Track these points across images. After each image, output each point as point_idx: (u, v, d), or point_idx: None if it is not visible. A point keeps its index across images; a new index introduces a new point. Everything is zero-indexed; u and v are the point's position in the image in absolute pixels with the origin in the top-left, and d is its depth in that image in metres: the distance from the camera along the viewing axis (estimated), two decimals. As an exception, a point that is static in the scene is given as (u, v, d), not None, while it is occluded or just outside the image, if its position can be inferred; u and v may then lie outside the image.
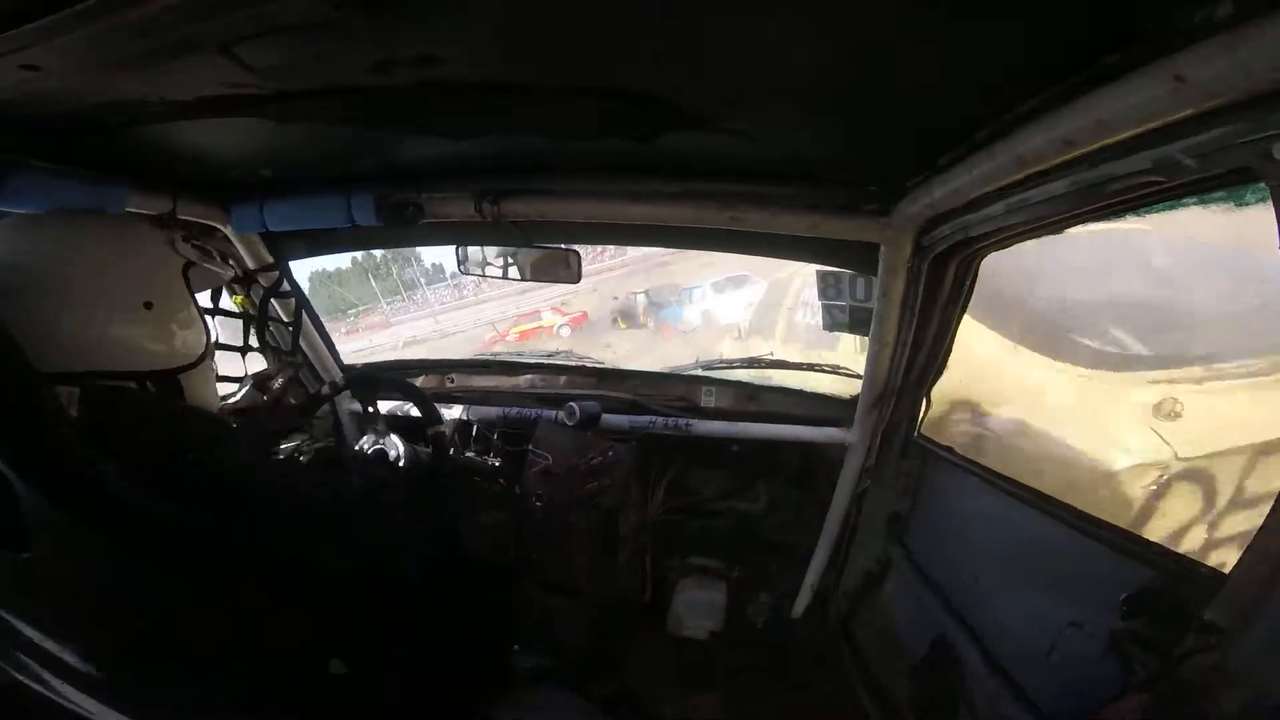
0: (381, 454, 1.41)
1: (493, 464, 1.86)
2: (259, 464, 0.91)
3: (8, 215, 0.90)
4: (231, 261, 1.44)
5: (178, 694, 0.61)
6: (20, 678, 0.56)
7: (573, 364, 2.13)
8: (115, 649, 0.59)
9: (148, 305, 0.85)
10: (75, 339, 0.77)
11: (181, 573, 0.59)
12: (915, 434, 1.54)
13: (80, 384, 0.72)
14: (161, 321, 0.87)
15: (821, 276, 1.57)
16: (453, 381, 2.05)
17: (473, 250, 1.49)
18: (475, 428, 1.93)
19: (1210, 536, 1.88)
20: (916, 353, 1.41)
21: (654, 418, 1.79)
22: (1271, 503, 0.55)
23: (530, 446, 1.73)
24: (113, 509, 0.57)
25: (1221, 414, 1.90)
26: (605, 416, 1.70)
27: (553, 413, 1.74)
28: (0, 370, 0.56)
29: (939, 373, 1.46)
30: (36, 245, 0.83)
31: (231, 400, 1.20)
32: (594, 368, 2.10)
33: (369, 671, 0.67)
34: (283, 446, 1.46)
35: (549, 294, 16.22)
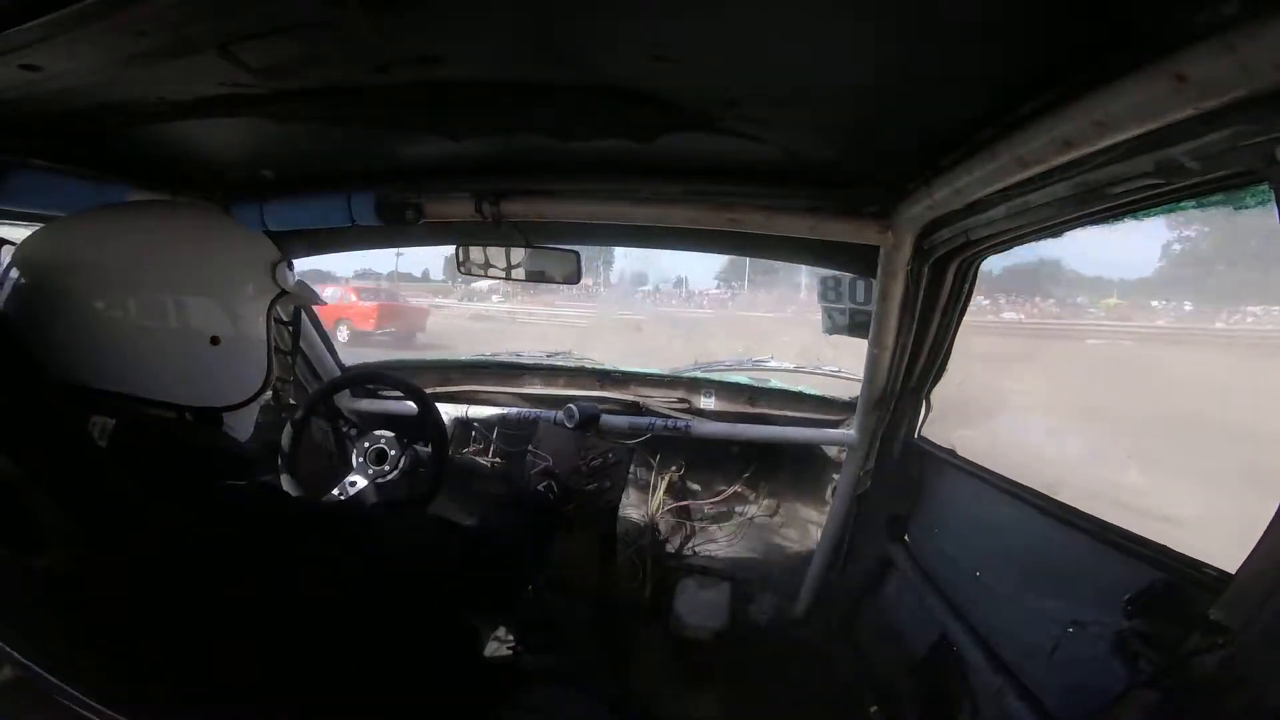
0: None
1: (492, 465, 1.86)
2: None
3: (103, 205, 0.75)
4: None
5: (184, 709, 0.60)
6: (25, 677, 0.56)
7: (571, 365, 2.13)
8: (123, 663, 0.58)
9: (214, 341, 0.71)
10: (119, 358, 0.66)
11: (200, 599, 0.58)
12: (915, 436, 1.55)
13: (112, 405, 0.64)
14: (224, 361, 0.72)
15: (822, 280, 1.57)
16: (452, 382, 2.05)
17: (473, 251, 1.49)
18: (475, 428, 1.93)
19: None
20: (916, 356, 1.42)
21: (654, 419, 1.79)
22: (1279, 502, 0.55)
23: (530, 448, 1.73)
24: (133, 526, 0.56)
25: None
26: (605, 418, 1.70)
27: (552, 414, 1.74)
28: (15, 376, 0.54)
29: (939, 376, 1.46)
30: (110, 242, 0.69)
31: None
32: (594, 369, 2.10)
33: (375, 675, 0.67)
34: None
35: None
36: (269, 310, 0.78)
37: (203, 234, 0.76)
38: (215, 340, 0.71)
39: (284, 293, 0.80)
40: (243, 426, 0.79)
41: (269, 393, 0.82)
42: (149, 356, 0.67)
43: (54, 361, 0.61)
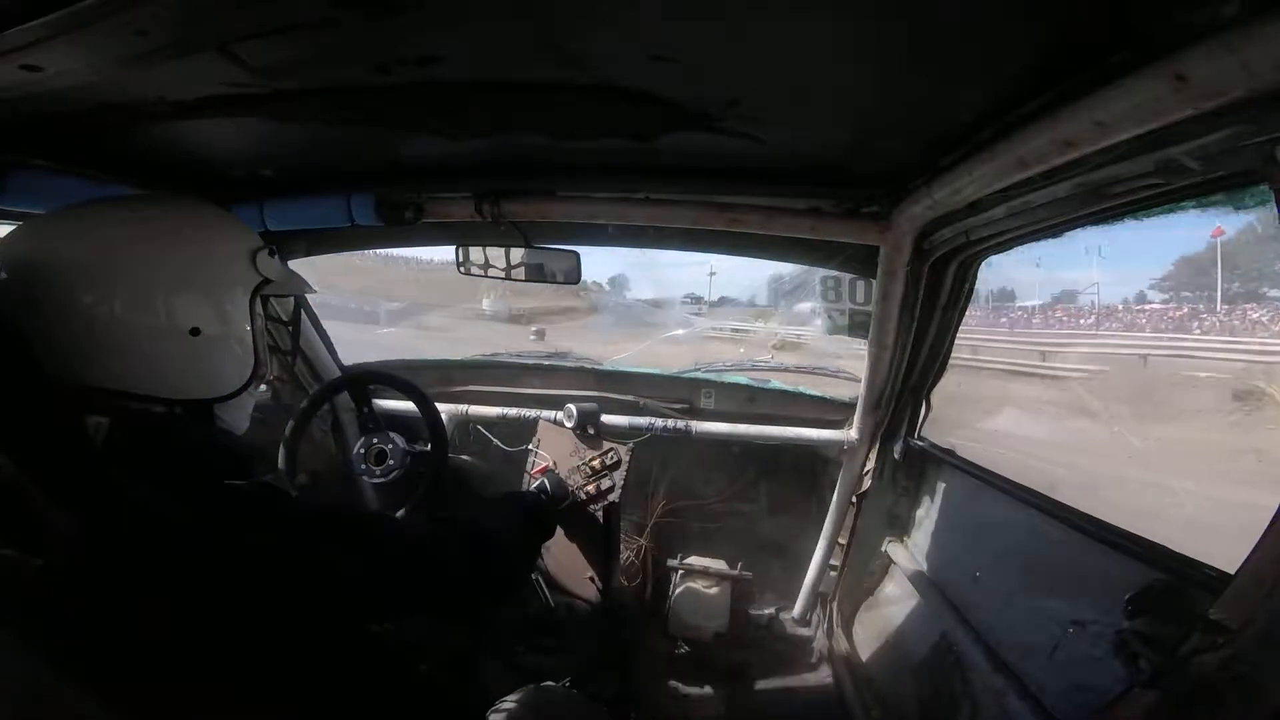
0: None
1: (491, 465, 1.86)
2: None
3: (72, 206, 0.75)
4: None
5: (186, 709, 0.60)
6: (25, 677, 0.56)
7: (571, 365, 2.13)
8: (122, 662, 0.58)
9: (194, 332, 0.71)
10: (103, 353, 0.67)
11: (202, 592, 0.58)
12: (915, 436, 1.55)
13: (104, 403, 0.65)
14: (205, 352, 0.73)
15: (823, 280, 1.57)
16: (452, 382, 2.05)
17: (473, 251, 1.49)
18: (474, 428, 1.93)
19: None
20: (916, 356, 1.42)
21: (654, 419, 1.79)
22: (1279, 503, 0.55)
23: (530, 447, 1.73)
24: (132, 526, 0.56)
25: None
26: (605, 417, 1.70)
27: (552, 414, 1.74)
28: (14, 376, 0.54)
29: (938, 375, 1.46)
30: (86, 237, 0.70)
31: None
32: (594, 369, 2.10)
33: (373, 674, 0.67)
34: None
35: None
36: (252, 299, 0.78)
37: (177, 224, 0.76)
38: (195, 331, 0.72)
39: (266, 281, 0.80)
40: (236, 419, 0.80)
41: (262, 385, 0.82)
42: (130, 350, 0.68)
43: (47, 359, 0.61)
